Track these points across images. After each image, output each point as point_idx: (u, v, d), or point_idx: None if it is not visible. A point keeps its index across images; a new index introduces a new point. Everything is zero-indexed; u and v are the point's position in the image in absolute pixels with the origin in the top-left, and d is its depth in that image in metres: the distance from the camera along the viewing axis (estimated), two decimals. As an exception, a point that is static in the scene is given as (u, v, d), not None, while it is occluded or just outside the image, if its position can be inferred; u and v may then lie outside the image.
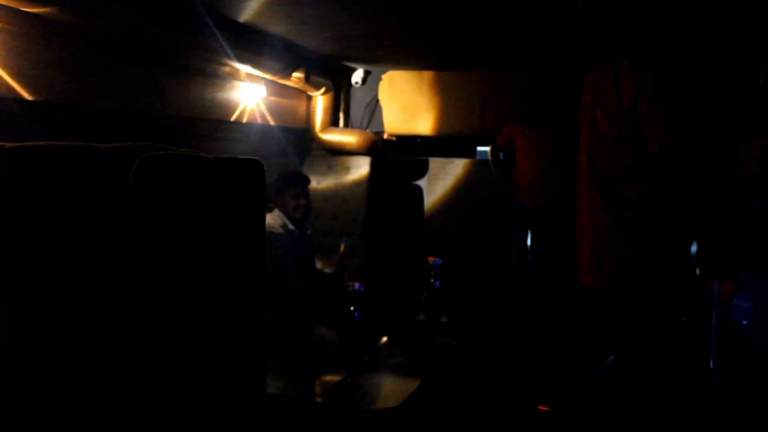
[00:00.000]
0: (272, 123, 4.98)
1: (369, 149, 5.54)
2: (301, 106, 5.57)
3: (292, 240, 4.05)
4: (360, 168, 5.55)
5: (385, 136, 5.84)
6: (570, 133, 4.89)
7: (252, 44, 4.12)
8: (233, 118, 4.47)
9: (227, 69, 4.28)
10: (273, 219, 4.06)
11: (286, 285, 3.86)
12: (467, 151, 6.47)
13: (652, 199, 4.43)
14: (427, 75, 5.63)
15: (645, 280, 4.50)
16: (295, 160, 5.48)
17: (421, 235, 5.91)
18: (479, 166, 6.06)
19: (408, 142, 6.58)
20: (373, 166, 5.56)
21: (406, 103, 5.68)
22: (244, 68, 4.24)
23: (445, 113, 5.63)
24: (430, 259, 4.00)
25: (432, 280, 3.98)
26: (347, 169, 5.57)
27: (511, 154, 5.48)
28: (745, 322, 4.09)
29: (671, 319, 4.59)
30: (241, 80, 4.50)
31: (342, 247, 4.34)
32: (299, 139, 5.52)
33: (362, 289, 3.20)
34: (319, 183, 5.45)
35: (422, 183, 6.08)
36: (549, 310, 5.15)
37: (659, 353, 4.50)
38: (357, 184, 5.54)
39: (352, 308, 3.20)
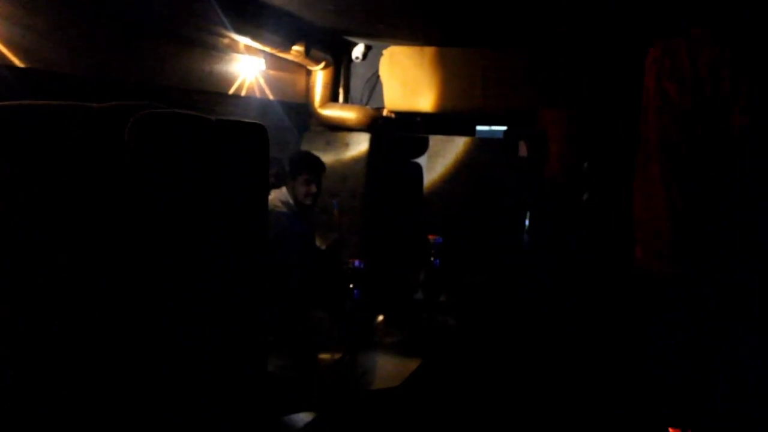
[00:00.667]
0: (271, 97, 4.89)
1: (369, 125, 5.46)
2: (301, 80, 5.47)
3: (295, 221, 3.96)
4: (359, 144, 5.47)
5: (385, 113, 5.74)
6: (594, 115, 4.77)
7: (251, 16, 4.03)
8: (231, 91, 4.39)
9: (226, 41, 4.18)
10: (277, 197, 3.97)
11: (285, 273, 3.79)
12: (468, 129, 6.39)
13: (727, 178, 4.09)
14: (429, 51, 5.53)
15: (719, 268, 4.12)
16: (294, 135, 5.40)
17: (421, 214, 5.84)
18: (480, 145, 5.98)
19: (408, 119, 6.51)
20: (372, 142, 5.48)
21: (406, 79, 5.58)
22: (243, 40, 4.14)
23: (446, 90, 5.54)
24: (431, 237, 3.94)
25: (432, 259, 3.93)
26: (346, 145, 5.49)
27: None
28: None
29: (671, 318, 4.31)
30: (240, 53, 4.41)
31: (336, 213, 4.28)
32: (298, 114, 5.43)
33: (362, 266, 3.15)
34: (317, 159, 5.36)
35: (422, 161, 6.00)
36: (547, 309, 5.00)
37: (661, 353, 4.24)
38: (356, 160, 5.46)
39: (351, 286, 3.16)
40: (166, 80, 3.76)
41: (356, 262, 3.21)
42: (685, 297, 4.06)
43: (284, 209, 3.90)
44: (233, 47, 4.31)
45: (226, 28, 3.90)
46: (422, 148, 5.99)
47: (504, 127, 6.70)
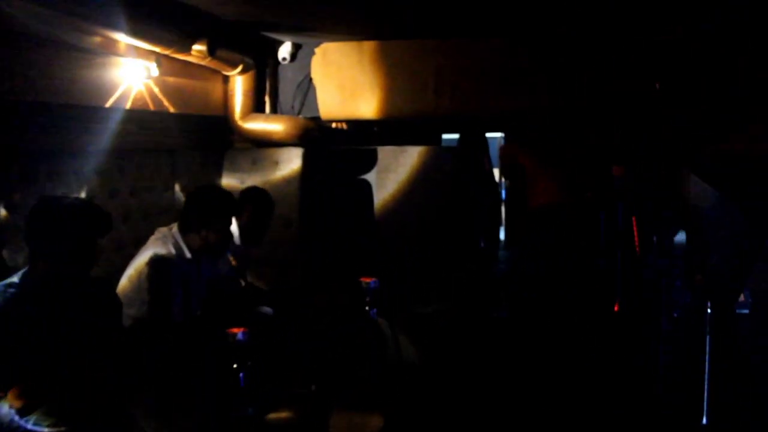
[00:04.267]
0: (172, 110, 3.98)
1: (301, 138, 4.58)
2: (216, 89, 4.57)
3: (184, 270, 3.04)
4: (291, 162, 4.59)
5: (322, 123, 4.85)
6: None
7: (131, 7, 3.13)
8: (109, 103, 3.46)
9: (97, 39, 3.27)
10: (162, 240, 3.06)
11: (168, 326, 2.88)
12: (432, 139, 5.50)
13: None
14: (369, 46, 4.65)
15: None
16: (209, 156, 4.49)
17: (372, 241, 4.94)
18: (438, 155, 5.09)
19: (361, 129, 5.63)
20: (306, 158, 4.60)
21: (344, 81, 4.69)
22: (122, 39, 3.25)
23: (391, 92, 4.66)
24: (364, 280, 3.04)
25: (366, 308, 3.03)
26: (276, 163, 4.61)
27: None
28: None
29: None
30: (121, 55, 3.50)
31: (232, 259, 3.42)
32: (215, 130, 4.52)
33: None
34: (243, 182, 4.46)
35: (370, 177, 5.11)
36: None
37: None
38: (288, 181, 4.57)
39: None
40: (16, 92, 2.88)
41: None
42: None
43: (172, 257, 2.99)
44: (110, 48, 3.39)
45: (94, 22, 3.01)
46: (369, 162, 5.10)
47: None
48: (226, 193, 3.20)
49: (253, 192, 3.86)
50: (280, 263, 4.46)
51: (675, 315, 4.64)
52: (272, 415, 2.39)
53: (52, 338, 2.15)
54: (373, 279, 3.02)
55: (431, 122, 5.00)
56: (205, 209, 3.04)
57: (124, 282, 3.01)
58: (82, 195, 3.32)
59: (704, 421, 3.54)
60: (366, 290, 3.01)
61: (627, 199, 4.75)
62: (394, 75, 4.64)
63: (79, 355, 2.19)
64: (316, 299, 3.92)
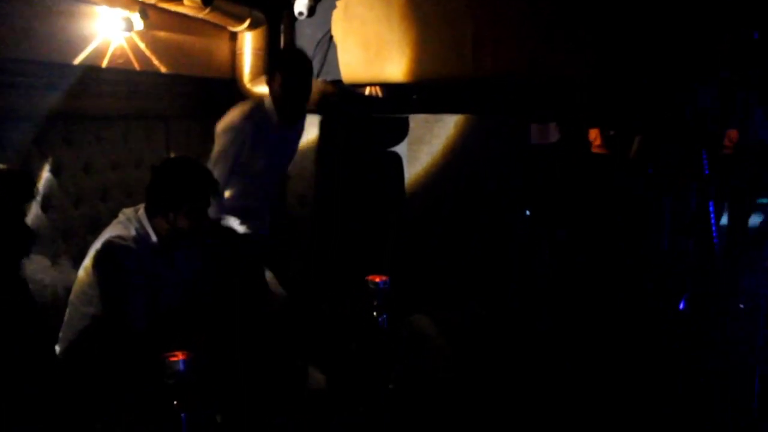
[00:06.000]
0: (164, 70, 3.42)
1: (319, 104, 3.98)
2: (222, 47, 4.00)
3: (148, 264, 2.49)
4: (306, 131, 3.97)
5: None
6: None
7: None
8: (77, 60, 2.91)
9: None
10: (124, 224, 2.51)
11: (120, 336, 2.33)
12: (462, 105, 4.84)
13: None
14: (398, -2, 4.00)
15: None
16: (211, 124, 3.92)
17: (401, 222, 4.33)
18: (479, 125, 4.43)
19: (394, 97, 5.00)
20: (324, 127, 4.02)
21: (368, 39, 4.04)
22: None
23: (423, 51, 3.99)
24: (372, 278, 2.45)
25: (374, 313, 2.43)
26: (289, 133, 4.01)
27: None
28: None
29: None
30: (94, 2, 2.94)
31: None
32: (220, 95, 3.94)
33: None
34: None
35: (401, 149, 4.49)
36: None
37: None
38: (302, 153, 3.97)
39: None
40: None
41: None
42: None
43: (131, 244, 2.43)
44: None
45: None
46: (400, 132, 4.48)
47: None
48: (202, 168, 2.62)
49: (284, 55, 3.42)
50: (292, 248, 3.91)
51: (741, 306, 4.07)
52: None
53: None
54: (383, 278, 2.43)
55: (468, 86, 4.32)
56: (173, 187, 2.47)
57: (81, 274, 2.49)
58: (46, 168, 2.81)
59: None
60: (374, 292, 2.42)
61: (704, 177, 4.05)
62: (427, 32, 3.97)
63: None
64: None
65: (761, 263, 4.08)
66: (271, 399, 2.47)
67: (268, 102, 3.30)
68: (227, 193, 3.24)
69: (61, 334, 2.55)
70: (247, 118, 3.22)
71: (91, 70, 2.94)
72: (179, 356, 1.63)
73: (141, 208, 2.52)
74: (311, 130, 3.97)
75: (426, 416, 2.62)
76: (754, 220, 4.84)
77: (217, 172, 2.95)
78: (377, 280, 2.42)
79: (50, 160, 2.84)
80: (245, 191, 3.30)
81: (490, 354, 3.16)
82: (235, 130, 3.20)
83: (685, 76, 3.82)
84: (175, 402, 1.61)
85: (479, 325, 3.46)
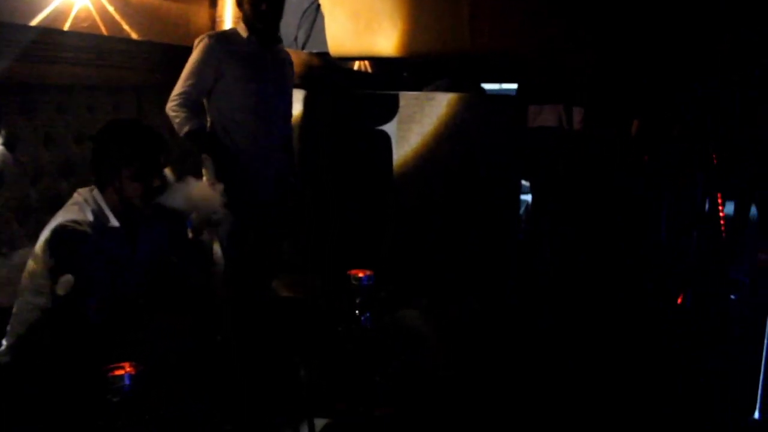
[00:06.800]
0: (135, 36, 3.15)
1: (303, 77, 3.72)
2: (201, 14, 3.73)
3: (106, 247, 2.23)
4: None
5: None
6: None
7: None
8: (35, 21, 2.64)
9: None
10: (80, 205, 2.25)
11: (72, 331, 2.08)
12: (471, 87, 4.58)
13: None
14: (391, -36, 3.73)
15: None
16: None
17: (387, 208, 4.09)
18: (472, 104, 4.17)
19: (384, 73, 4.76)
20: (308, 102, 3.75)
21: (358, 9, 3.79)
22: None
23: (416, 23, 3.74)
24: (355, 273, 2.22)
25: (356, 312, 2.21)
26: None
27: None
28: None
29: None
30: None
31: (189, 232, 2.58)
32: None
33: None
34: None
35: (390, 129, 4.23)
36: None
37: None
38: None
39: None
40: None
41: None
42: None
43: (87, 229, 2.17)
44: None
45: None
46: (389, 110, 4.21)
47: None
48: (142, 126, 2.37)
49: None
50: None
51: (733, 297, 4.02)
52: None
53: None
54: (367, 272, 2.19)
55: (464, 61, 4.06)
56: (113, 150, 2.22)
57: (30, 263, 2.23)
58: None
59: (756, 416, 2.97)
60: (357, 288, 2.18)
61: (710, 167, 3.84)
62: (421, 2, 3.72)
63: None
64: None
65: (742, 253, 3.96)
66: (269, 397, 2.24)
67: (241, 27, 3.17)
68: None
69: (8, 327, 2.30)
70: (214, 37, 3.10)
71: (49, 33, 2.66)
72: (125, 369, 1.39)
73: (95, 188, 2.27)
74: (295, 106, 3.70)
75: (423, 414, 2.43)
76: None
77: (182, 88, 2.99)
78: (360, 275, 2.19)
79: (3, 132, 2.58)
80: (238, 131, 3.12)
81: (487, 351, 2.95)
82: (203, 48, 3.05)
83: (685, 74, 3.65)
84: (119, 423, 1.38)
85: (477, 321, 3.24)
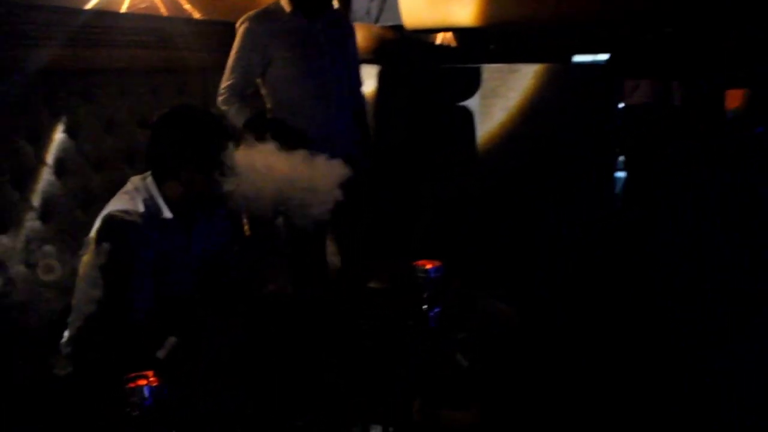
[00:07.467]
0: (196, 15, 3.03)
1: (376, 53, 3.52)
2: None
3: (157, 240, 2.09)
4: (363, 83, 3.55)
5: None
6: None
7: None
8: (90, 4, 2.55)
9: None
10: (131, 195, 2.12)
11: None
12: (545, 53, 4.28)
13: None
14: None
15: None
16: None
17: (470, 190, 3.86)
18: (560, 77, 3.87)
19: (469, 47, 4.48)
20: (383, 79, 3.56)
21: (434, -23, 3.55)
22: None
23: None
24: (422, 264, 2.01)
25: (424, 306, 1.99)
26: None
27: None
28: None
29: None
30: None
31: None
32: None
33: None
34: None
35: (472, 104, 3.99)
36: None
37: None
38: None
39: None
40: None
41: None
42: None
43: (137, 220, 2.04)
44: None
45: None
46: (471, 84, 3.97)
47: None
48: (204, 112, 2.21)
49: None
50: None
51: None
52: None
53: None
54: (435, 264, 1.98)
55: (548, 32, 3.75)
56: (178, 139, 2.06)
57: (85, 258, 2.12)
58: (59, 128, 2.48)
59: None
60: (423, 282, 1.97)
61: None
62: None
63: None
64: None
65: None
66: (297, 396, 2.07)
67: (284, 1, 2.93)
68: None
69: (69, 319, 2.22)
70: (254, 19, 2.89)
71: (105, 15, 2.57)
72: (146, 380, 1.24)
73: (149, 176, 2.13)
74: (368, 83, 3.52)
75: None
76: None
77: (228, 80, 2.85)
78: (428, 266, 1.98)
79: (64, 119, 2.51)
80: (298, 116, 2.91)
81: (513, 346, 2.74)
82: (243, 33, 2.87)
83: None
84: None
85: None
